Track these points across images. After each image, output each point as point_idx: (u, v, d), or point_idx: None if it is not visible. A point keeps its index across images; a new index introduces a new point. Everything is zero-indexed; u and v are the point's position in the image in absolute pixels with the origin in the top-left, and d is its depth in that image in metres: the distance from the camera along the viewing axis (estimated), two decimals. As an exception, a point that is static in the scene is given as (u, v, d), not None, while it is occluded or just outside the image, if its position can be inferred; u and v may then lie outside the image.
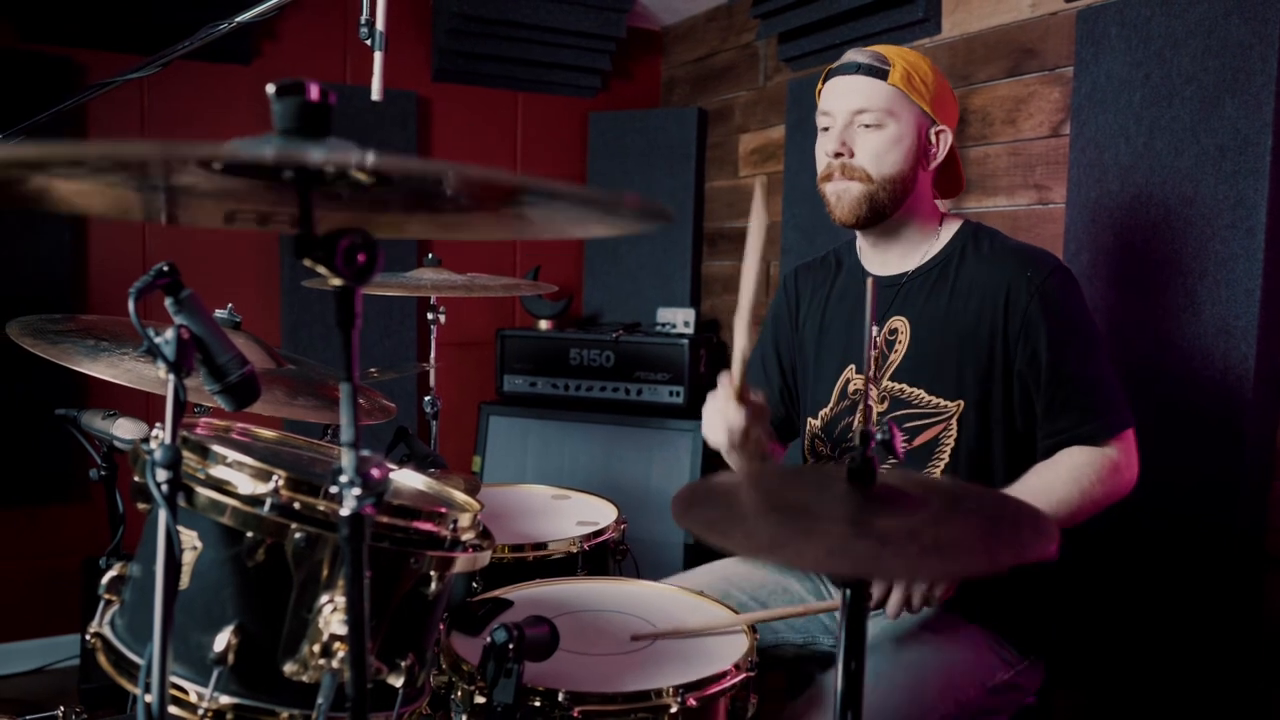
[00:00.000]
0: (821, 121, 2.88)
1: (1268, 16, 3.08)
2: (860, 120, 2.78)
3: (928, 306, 2.83)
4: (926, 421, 2.78)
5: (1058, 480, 2.61)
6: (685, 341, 5.38)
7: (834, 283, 3.11)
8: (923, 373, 2.80)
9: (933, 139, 2.83)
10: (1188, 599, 3.30)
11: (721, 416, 2.63)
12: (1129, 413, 2.70)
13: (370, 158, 1.15)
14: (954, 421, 2.74)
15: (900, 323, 2.86)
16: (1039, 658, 2.81)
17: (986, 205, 4.15)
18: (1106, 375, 2.72)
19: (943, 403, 2.76)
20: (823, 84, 2.91)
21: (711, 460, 4.95)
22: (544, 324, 5.88)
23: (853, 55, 2.83)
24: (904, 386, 2.82)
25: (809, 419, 3.07)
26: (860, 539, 1.55)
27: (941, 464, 2.77)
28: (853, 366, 2.97)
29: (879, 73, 2.77)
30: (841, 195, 2.83)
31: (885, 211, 2.83)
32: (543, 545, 3.06)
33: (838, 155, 2.81)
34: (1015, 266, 2.74)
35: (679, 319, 5.70)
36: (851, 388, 2.96)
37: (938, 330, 2.79)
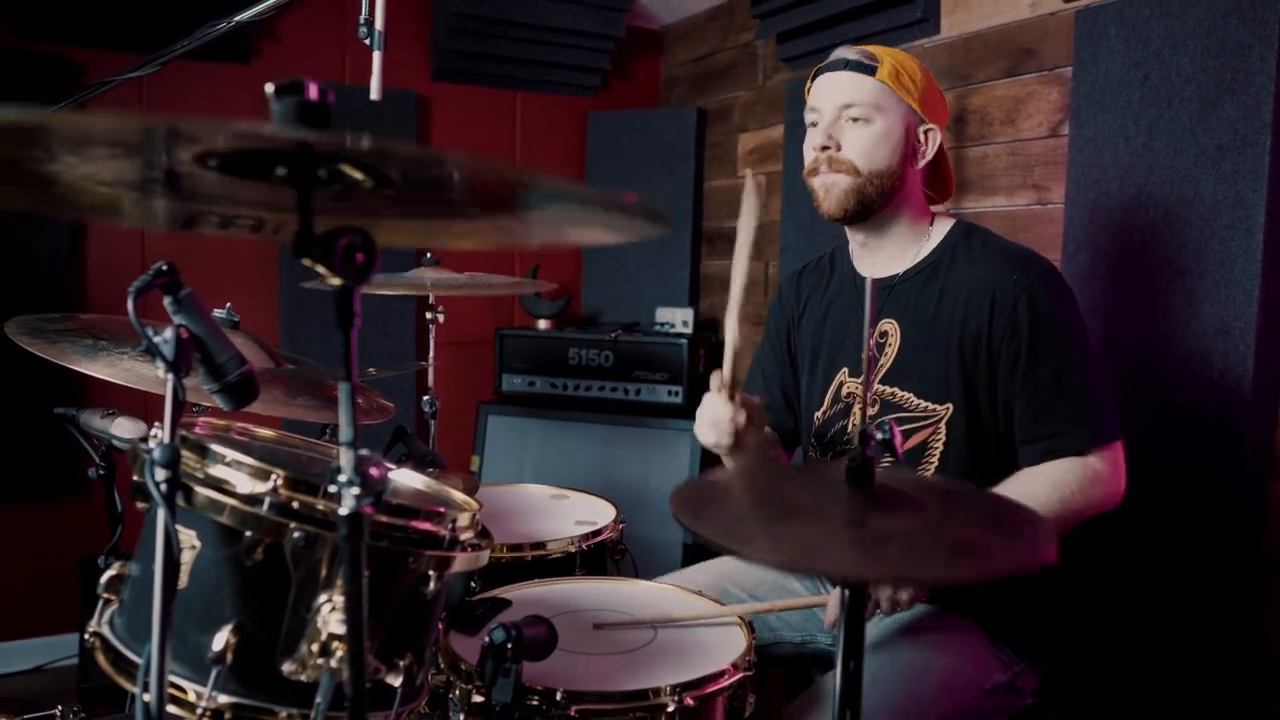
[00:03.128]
0: (809, 117, 2.90)
1: (1267, 17, 3.08)
2: (848, 114, 2.80)
3: (917, 309, 2.83)
4: (916, 425, 2.78)
5: (1038, 488, 2.59)
6: (684, 341, 5.38)
7: (828, 286, 3.12)
8: (912, 376, 2.80)
9: (921, 137, 2.84)
10: (1185, 601, 3.30)
11: (712, 414, 2.65)
12: (1116, 424, 2.69)
13: (366, 141, 1.15)
14: (943, 425, 2.74)
15: (890, 325, 2.86)
16: (1036, 660, 2.81)
17: (985, 205, 4.15)
18: (1093, 383, 2.70)
19: (932, 406, 2.76)
20: (811, 82, 2.92)
21: (710, 461, 4.95)
22: (543, 323, 5.87)
23: (841, 52, 2.85)
24: (894, 390, 2.82)
25: (812, 425, 3.07)
26: (859, 542, 1.55)
27: (931, 467, 2.77)
28: (846, 370, 2.98)
29: (867, 69, 2.78)
30: (830, 188, 2.84)
31: (874, 206, 2.84)
32: (541, 545, 3.06)
33: (824, 148, 2.83)
34: (1004, 268, 2.74)
35: (678, 319, 5.70)
36: (845, 391, 2.96)
37: (926, 333, 2.79)
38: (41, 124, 1.14)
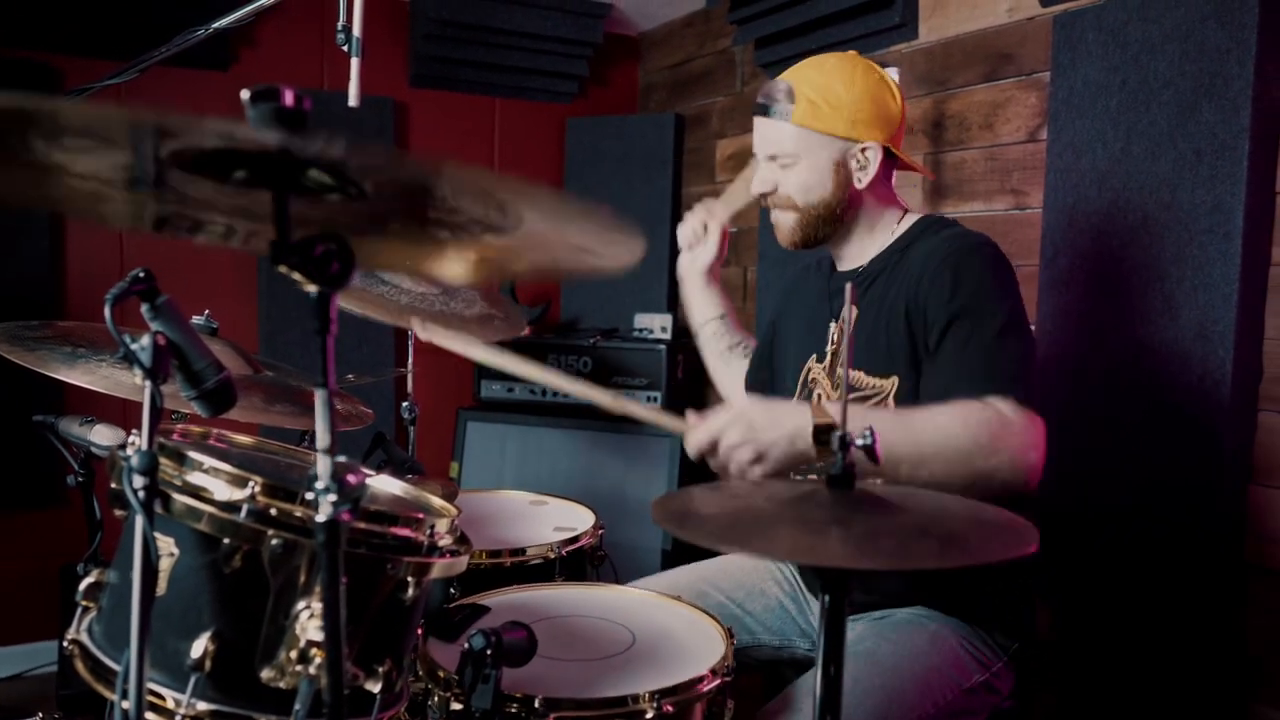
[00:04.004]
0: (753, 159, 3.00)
1: (1244, 21, 3.09)
2: (776, 162, 2.87)
3: (871, 293, 2.84)
4: (866, 400, 2.78)
5: (944, 419, 2.42)
6: (663, 347, 5.38)
7: (812, 279, 3.16)
8: (863, 356, 2.80)
9: (858, 158, 2.82)
10: (1165, 603, 3.31)
11: (695, 223, 3.18)
12: (1033, 398, 2.50)
13: (340, 146, 1.15)
14: (890, 399, 2.73)
15: (852, 311, 2.87)
16: (1012, 660, 2.81)
17: (963, 210, 4.16)
18: (1009, 354, 2.56)
19: (878, 381, 2.75)
20: None
21: (689, 468, 4.95)
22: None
23: (764, 90, 2.88)
24: (851, 372, 2.82)
25: None
26: (850, 538, 1.56)
27: None
28: (814, 356, 3.02)
29: (783, 113, 2.82)
30: (779, 224, 2.95)
31: (822, 233, 2.92)
32: (520, 551, 3.05)
33: (764, 194, 2.93)
34: (945, 242, 2.74)
35: (656, 324, 5.69)
36: (810, 376, 2.99)
37: (879, 314, 2.79)
38: (23, 109, 1.14)
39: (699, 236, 3.30)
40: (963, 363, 2.57)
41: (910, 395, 2.71)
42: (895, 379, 2.73)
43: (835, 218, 2.87)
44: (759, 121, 2.89)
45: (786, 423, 2.35)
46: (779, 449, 2.34)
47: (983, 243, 2.72)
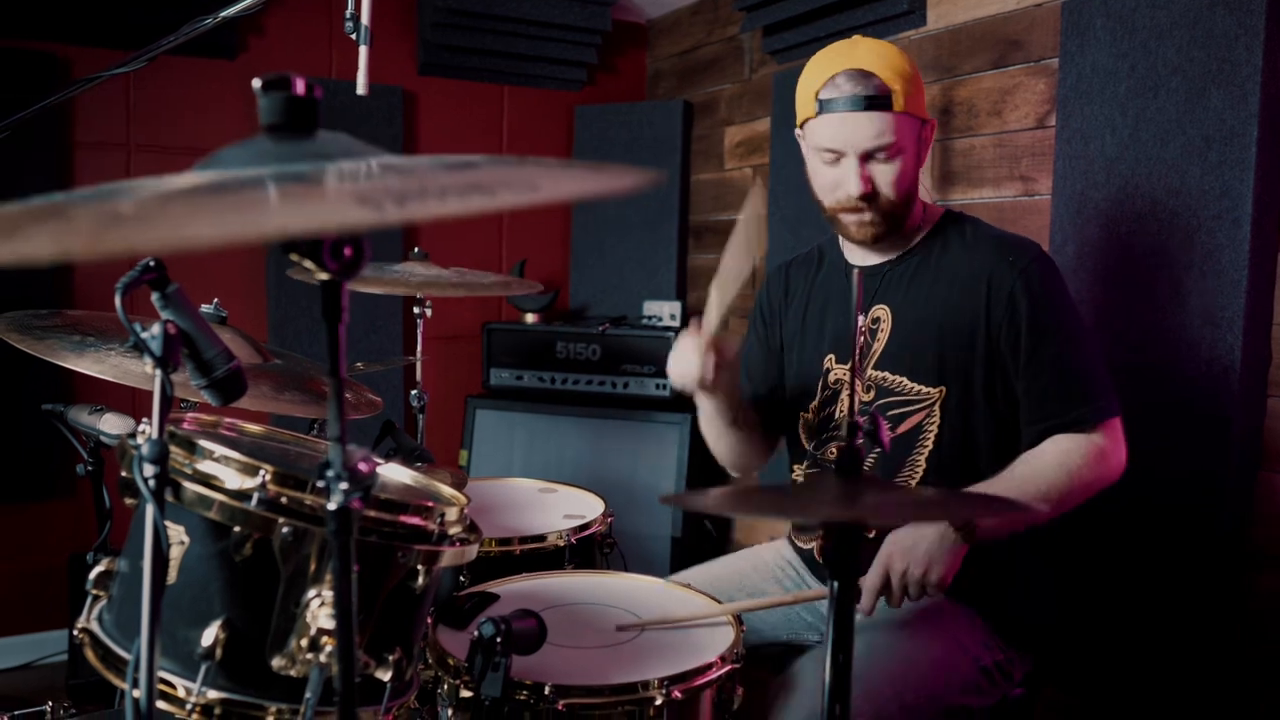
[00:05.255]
0: (827, 156, 2.79)
1: (1252, 7, 3.08)
2: (877, 156, 2.73)
3: (909, 294, 2.83)
4: (910, 409, 2.78)
5: (1045, 467, 2.60)
6: (671, 334, 5.31)
7: (816, 276, 3.11)
8: (904, 360, 2.80)
9: (925, 136, 2.83)
10: (1172, 592, 3.31)
11: (683, 355, 2.71)
12: (1116, 401, 2.70)
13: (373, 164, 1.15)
14: (937, 408, 2.74)
15: (882, 311, 2.86)
16: (1025, 649, 2.81)
17: (972, 197, 4.16)
18: (1092, 362, 2.72)
19: (924, 389, 2.76)
20: (820, 113, 2.77)
21: (700, 454, 4.94)
22: (530, 317, 5.86)
23: (847, 85, 2.71)
24: (887, 374, 2.82)
25: (801, 412, 3.07)
26: (851, 501, 1.57)
27: (926, 450, 2.77)
28: (833, 356, 2.98)
29: (884, 104, 2.68)
30: (864, 223, 2.80)
31: (903, 224, 2.84)
32: (530, 539, 3.06)
33: (864, 196, 2.75)
34: (997, 252, 2.75)
35: (665, 312, 5.69)
36: (832, 377, 2.96)
37: (918, 317, 2.79)
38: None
39: (694, 367, 2.71)
40: (1058, 382, 2.69)
41: (959, 410, 2.75)
42: (943, 389, 2.74)
43: (912, 204, 2.84)
44: (853, 118, 2.71)
45: (927, 530, 2.49)
46: (936, 547, 2.48)
47: (1042, 252, 2.78)
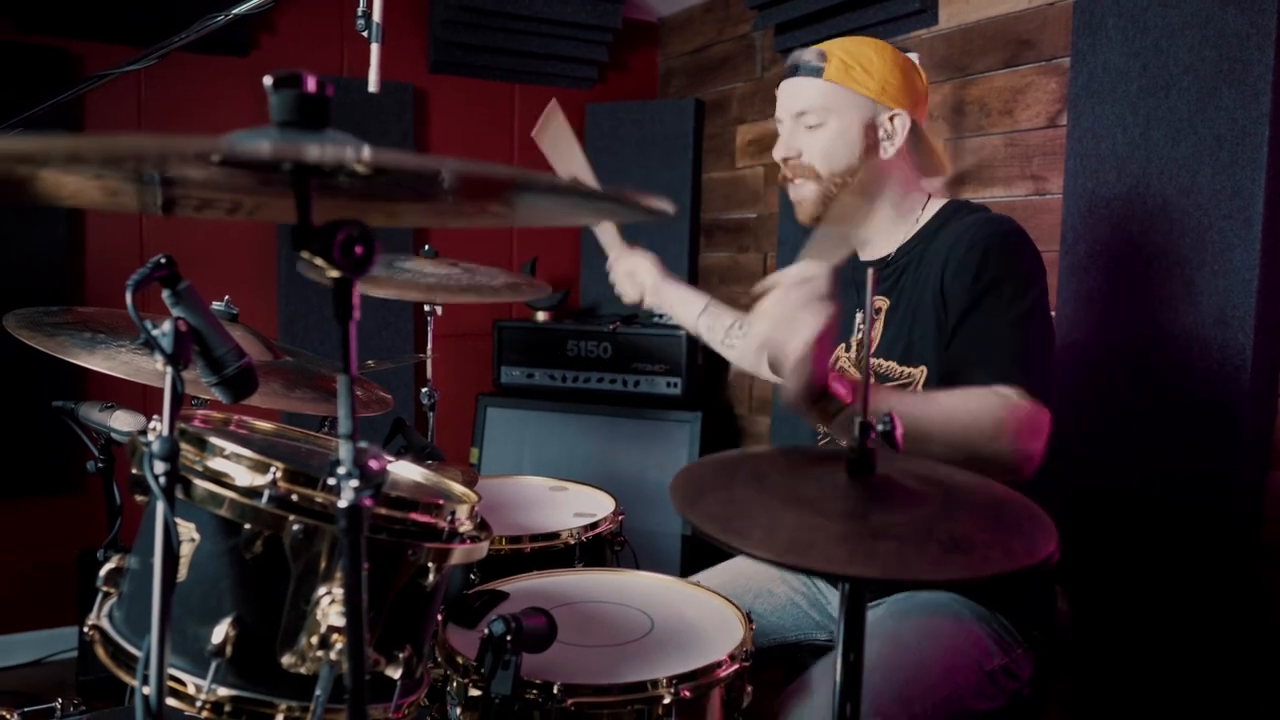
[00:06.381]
0: (777, 127, 2.92)
1: (1264, 7, 3.07)
2: (804, 122, 2.81)
3: (902, 283, 2.83)
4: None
5: (946, 399, 2.40)
6: (683, 333, 5.36)
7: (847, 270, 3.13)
8: (895, 346, 2.79)
9: (887, 125, 2.80)
10: (1183, 589, 3.31)
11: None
12: (1044, 388, 2.48)
13: (366, 152, 1.15)
14: (919, 387, 2.72)
15: (882, 302, 2.86)
16: (1033, 647, 2.81)
17: (984, 196, 4.15)
18: (1027, 342, 2.54)
19: (908, 370, 2.74)
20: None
21: (709, 453, 4.95)
22: (541, 315, 5.86)
23: (794, 56, 2.84)
24: (880, 361, 2.81)
25: None
26: (852, 536, 1.55)
27: None
28: (842, 346, 2.99)
29: (814, 70, 2.77)
30: (800, 201, 2.88)
31: (857, 209, 2.84)
32: (540, 537, 3.05)
33: (786, 160, 2.86)
34: (969, 228, 2.70)
35: (677, 310, 5.70)
36: (839, 367, 2.96)
37: (910, 303, 2.78)
38: (39, 153, 1.14)
39: (625, 263, 3.46)
40: (979, 345, 2.55)
41: (937, 384, 2.70)
42: (924, 368, 2.72)
43: (858, 191, 2.81)
44: (787, 83, 2.85)
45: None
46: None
47: (1012, 229, 2.69)
